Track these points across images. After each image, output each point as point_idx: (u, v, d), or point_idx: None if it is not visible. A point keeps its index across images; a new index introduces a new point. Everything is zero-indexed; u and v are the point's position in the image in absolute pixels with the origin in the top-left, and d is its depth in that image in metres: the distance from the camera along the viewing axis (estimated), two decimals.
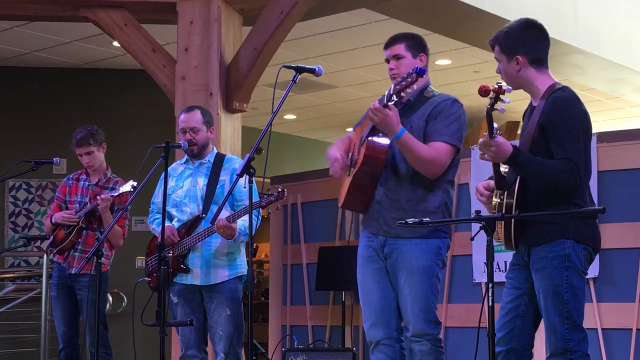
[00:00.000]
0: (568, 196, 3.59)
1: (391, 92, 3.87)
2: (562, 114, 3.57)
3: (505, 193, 3.63)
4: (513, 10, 7.37)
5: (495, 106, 3.43)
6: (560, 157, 3.54)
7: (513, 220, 3.60)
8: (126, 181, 5.60)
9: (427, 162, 3.95)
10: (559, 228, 3.58)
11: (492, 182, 3.73)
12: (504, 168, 3.68)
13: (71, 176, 5.93)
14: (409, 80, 3.80)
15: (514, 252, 3.77)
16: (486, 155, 3.56)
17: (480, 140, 3.54)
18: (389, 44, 4.18)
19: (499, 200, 3.65)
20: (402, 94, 3.83)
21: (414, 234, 3.99)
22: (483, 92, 3.43)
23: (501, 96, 3.42)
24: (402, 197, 4.03)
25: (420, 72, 3.77)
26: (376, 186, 4.09)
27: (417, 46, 4.15)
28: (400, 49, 4.13)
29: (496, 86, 3.42)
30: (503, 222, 3.63)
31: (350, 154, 4.20)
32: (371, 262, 4.12)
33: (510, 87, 3.48)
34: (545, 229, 3.60)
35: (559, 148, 3.55)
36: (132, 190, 5.47)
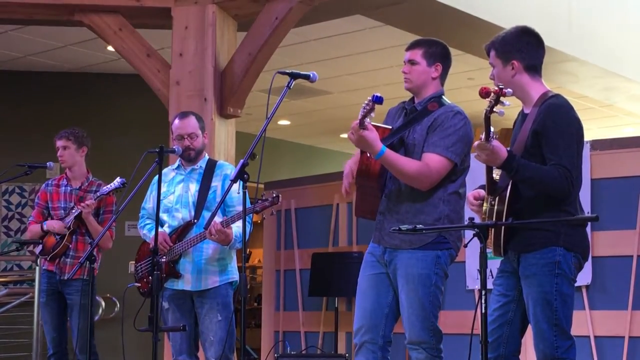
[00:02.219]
0: (559, 203, 3.60)
1: (360, 116, 3.86)
2: (556, 121, 3.58)
3: (497, 199, 3.63)
4: (507, 17, 7.38)
5: (495, 109, 3.44)
6: (553, 163, 3.54)
7: (503, 226, 3.60)
8: (107, 184, 5.60)
9: (413, 177, 3.95)
10: (549, 235, 3.59)
11: (482, 191, 3.74)
12: (495, 174, 3.68)
13: (50, 182, 5.91)
14: (367, 108, 3.81)
15: (502, 258, 3.77)
16: (481, 158, 3.57)
17: (476, 142, 3.55)
18: (409, 47, 4.15)
19: (489, 206, 3.65)
20: (366, 119, 3.84)
21: (411, 246, 3.99)
22: (484, 93, 3.43)
23: (502, 98, 3.43)
24: (402, 209, 4.04)
25: (377, 99, 3.77)
26: (380, 196, 4.11)
27: (435, 55, 4.11)
28: (416, 54, 4.10)
29: (497, 88, 3.43)
30: (493, 228, 3.63)
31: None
32: (371, 268, 4.13)
33: (511, 90, 3.48)
34: (536, 235, 3.60)
35: (552, 154, 3.56)
36: (120, 187, 5.48)
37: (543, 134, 3.58)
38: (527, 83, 3.73)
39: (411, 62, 4.10)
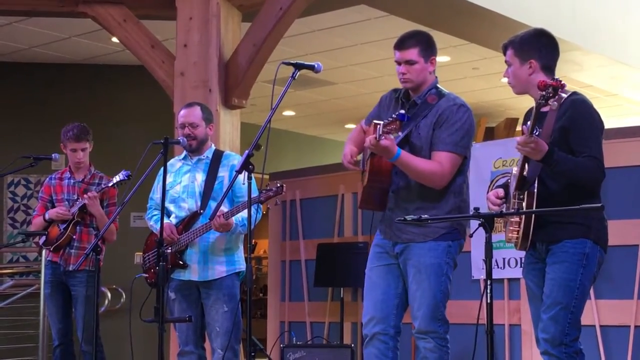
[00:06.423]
0: (591, 196, 3.68)
1: (380, 132, 3.83)
2: (583, 115, 3.69)
3: (525, 193, 3.69)
4: (512, 7, 7.36)
5: (550, 101, 3.46)
6: (586, 155, 3.63)
7: (533, 218, 3.65)
8: (112, 177, 5.60)
9: (428, 176, 3.98)
10: (582, 227, 3.68)
11: (500, 191, 3.84)
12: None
13: (53, 175, 5.91)
14: (392, 127, 3.78)
15: (526, 252, 3.83)
16: (524, 152, 3.60)
17: (519, 138, 3.60)
18: (401, 46, 4.10)
19: (517, 201, 3.69)
20: (390, 135, 3.84)
21: (426, 239, 4.01)
22: (542, 86, 3.46)
23: (559, 90, 3.44)
24: (413, 206, 4.05)
25: (402, 118, 3.76)
26: (388, 192, 4.13)
27: (429, 49, 4.12)
28: (413, 54, 4.07)
29: (555, 81, 3.43)
30: (523, 221, 3.67)
31: (364, 152, 4.22)
32: (379, 260, 4.16)
33: (565, 84, 3.51)
34: (568, 227, 3.69)
35: (582, 147, 3.65)
36: (125, 179, 5.48)
37: (571, 129, 3.67)
38: None
39: (409, 62, 4.08)
